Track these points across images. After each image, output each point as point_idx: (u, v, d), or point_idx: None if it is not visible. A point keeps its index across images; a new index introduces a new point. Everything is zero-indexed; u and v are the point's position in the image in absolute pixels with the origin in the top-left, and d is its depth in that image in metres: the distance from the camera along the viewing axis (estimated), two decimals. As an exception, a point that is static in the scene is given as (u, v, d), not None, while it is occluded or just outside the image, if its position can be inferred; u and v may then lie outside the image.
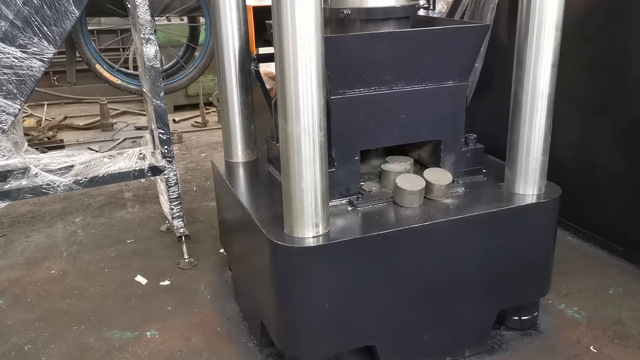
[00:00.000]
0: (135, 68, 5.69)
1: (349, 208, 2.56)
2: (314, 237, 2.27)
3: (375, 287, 2.41)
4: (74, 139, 6.60)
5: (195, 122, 7.35)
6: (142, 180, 3.60)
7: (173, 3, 3.94)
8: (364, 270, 2.36)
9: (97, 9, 3.13)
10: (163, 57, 4.93)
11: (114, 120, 7.31)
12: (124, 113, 7.81)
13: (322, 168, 2.20)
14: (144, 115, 7.76)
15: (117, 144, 6.41)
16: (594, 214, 3.78)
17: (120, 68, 4.34)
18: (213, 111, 7.71)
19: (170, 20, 4.52)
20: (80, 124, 7.17)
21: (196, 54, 5.04)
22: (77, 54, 4.13)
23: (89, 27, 4.23)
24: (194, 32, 4.77)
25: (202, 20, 5.05)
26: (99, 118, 7.19)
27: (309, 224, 2.26)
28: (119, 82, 3.94)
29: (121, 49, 7.30)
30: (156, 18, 4.07)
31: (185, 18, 5.02)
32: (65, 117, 7.32)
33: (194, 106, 7.73)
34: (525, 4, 2.46)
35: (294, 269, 2.29)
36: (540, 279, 2.84)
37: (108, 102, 7.26)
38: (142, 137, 5.86)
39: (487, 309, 2.73)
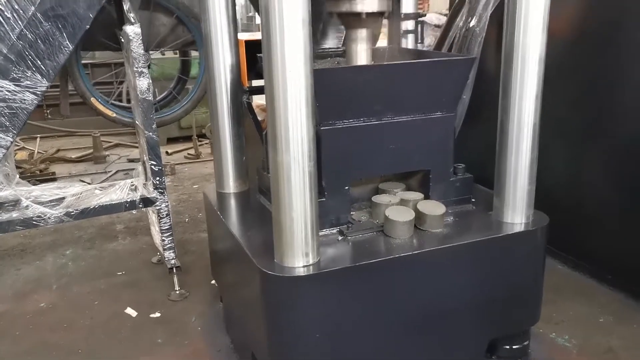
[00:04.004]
0: (129, 101, 5.76)
1: (340, 237, 2.57)
2: (304, 266, 2.28)
3: (366, 316, 2.41)
4: (66, 172, 6.61)
5: (188, 154, 7.39)
6: (134, 211, 3.60)
7: (168, 37, 4.01)
8: (355, 299, 2.37)
9: (91, 43, 3.18)
10: (157, 90, 4.99)
11: (106, 153, 7.34)
12: (116, 145, 7.85)
13: (312, 198, 2.22)
14: (137, 147, 7.82)
15: (110, 176, 6.42)
16: (583, 242, 3.81)
17: (114, 101, 4.38)
18: (206, 143, 7.75)
19: (164, 54, 4.59)
20: (73, 156, 7.19)
21: (189, 86, 5.11)
22: (71, 87, 4.18)
23: (83, 61, 4.30)
24: (185, 65, 4.84)
25: (194, 53, 5.13)
26: (91, 150, 7.21)
27: (299, 254, 2.27)
28: (114, 115, 3.99)
29: (115, 83, 7.37)
30: (151, 52, 4.14)
31: (177, 51, 5.10)
32: (58, 150, 7.35)
33: (187, 138, 7.78)
34: (508, 38, 2.53)
35: (285, 298, 2.30)
36: (531, 307, 2.85)
37: (101, 134, 7.30)
38: (134, 169, 5.89)
39: (477, 337, 2.73)
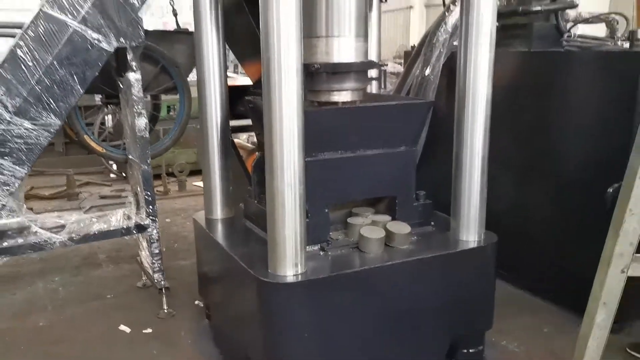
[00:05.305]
0: (112, 139, 6.12)
1: (321, 252, 3.00)
2: (294, 275, 2.71)
3: (344, 317, 2.83)
4: (42, 208, 6.85)
5: (158, 191, 7.69)
6: (126, 237, 3.95)
7: (152, 84, 4.42)
8: (335, 303, 2.80)
9: (90, 87, 3.56)
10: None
11: (78, 190, 7.60)
12: (87, 184, 8.10)
13: (301, 216, 2.67)
14: (107, 185, 8.12)
15: (85, 212, 6.68)
16: (528, 264, 4.28)
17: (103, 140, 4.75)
18: (174, 181, 8.06)
19: (147, 97, 4.95)
20: (47, 193, 7.43)
21: (159, 127, 5.50)
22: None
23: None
24: (156, 107, 5.23)
25: (163, 97, 5.51)
26: (64, 188, 7.46)
27: (290, 264, 2.70)
28: (104, 151, 4.35)
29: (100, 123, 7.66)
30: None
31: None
32: (32, 188, 7.56)
33: (156, 176, 8.06)
34: (461, 84, 3.05)
35: (279, 302, 2.72)
36: (485, 312, 3.31)
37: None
38: (107, 205, 6.21)
39: (440, 339, 3.17)
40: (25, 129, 3.26)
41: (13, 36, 3.36)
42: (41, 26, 3.20)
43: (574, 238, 3.90)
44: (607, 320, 2.37)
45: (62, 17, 3.22)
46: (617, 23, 4.30)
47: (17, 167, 3.29)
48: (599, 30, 4.57)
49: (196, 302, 4.16)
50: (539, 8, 4.10)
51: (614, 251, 2.31)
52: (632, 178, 2.28)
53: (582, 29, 5.86)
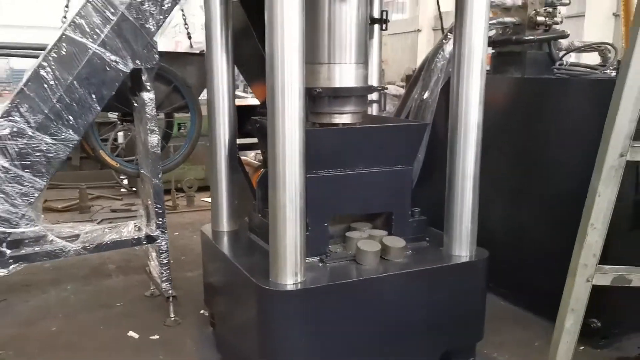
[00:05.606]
0: (125, 155, 6.35)
1: (320, 264, 3.19)
2: (294, 283, 2.90)
3: (340, 326, 3.00)
4: (55, 220, 7.06)
5: (167, 205, 7.90)
6: (136, 248, 4.16)
7: (164, 102, 4.67)
8: (333, 311, 2.98)
9: (107, 105, 3.80)
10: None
11: (90, 204, 7.83)
12: (98, 197, 8.34)
13: (301, 228, 2.87)
14: (118, 199, 8.35)
15: (97, 224, 6.90)
16: (521, 279, 4.44)
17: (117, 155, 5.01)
18: (182, 196, 8.27)
19: (161, 115, 5.19)
20: (59, 206, 7.66)
21: (171, 144, 5.75)
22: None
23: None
24: (169, 125, 5.47)
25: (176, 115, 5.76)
26: (77, 201, 7.70)
27: (291, 273, 2.89)
28: (118, 165, 4.58)
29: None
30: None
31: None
32: (45, 200, 7.79)
33: (166, 192, 8.27)
34: (454, 109, 3.25)
35: (279, 309, 2.91)
36: (476, 324, 3.46)
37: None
38: (118, 218, 6.42)
39: (432, 349, 3.32)
40: (45, 143, 3.50)
41: (36, 57, 3.61)
42: (63, 48, 3.46)
43: (565, 255, 4.01)
44: (575, 326, 2.57)
45: (83, 40, 3.48)
46: (610, 52, 4.52)
47: (37, 179, 3.52)
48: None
49: (201, 311, 4.34)
50: (531, 37, 4.32)
51: (578, 262, 2.52)
52: (592, 196, 2.51)
53: (585, 58, 6.11)
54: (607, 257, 2.91)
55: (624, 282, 2.59)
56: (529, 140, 4.32)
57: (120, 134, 7.81)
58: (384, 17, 3.92)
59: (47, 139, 3.50)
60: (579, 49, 4.56)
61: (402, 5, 26.10)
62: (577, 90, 4.00)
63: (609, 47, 4.47)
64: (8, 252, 3.59)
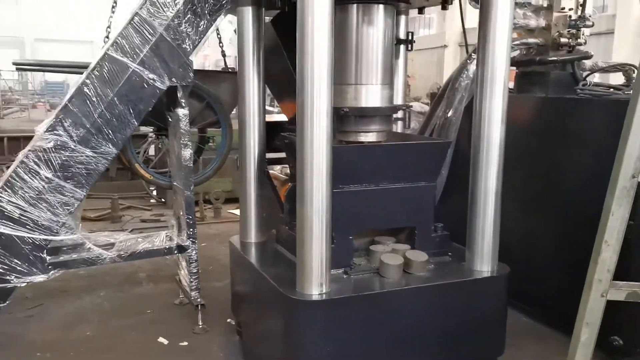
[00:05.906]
0: (158, 167, 6.56)
1: (344, 276, 3.31)
2: (319, 294, 3.02)
3: (362, 336, 3.12)
4: (87, 229, 7.26)
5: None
6: (167, 258, 4.33)
7: (197, 118, 4.86)
8: (356, 322, 3.10)
9: (143, 120, 3.99)
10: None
11: (122, 214, 8.06)
12: (129, 207, 8.57)
13: (327, 241, 3.00)
14: (147, 210, 8.57)
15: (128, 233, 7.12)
16: (540, 296, 4.50)
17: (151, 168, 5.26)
18: (210, 207, 8.46)
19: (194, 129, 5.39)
20: (92, 215, 7.90)
21: (210, 157, 5.93)
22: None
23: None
24: (202, 140, 5.66)
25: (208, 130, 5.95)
26: (108, 211, 7.94)
27: (316, 284, 3.01)
28: (151, 177, 4.77)
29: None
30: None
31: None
32: (79, 209, 8.05)
33: (195, 203, 8.50)
34: (477, 128, 3.37)
35: (305, 318, 3.04)
36: (496, 339, 3.53)
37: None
38: (147, 228, 6.60)
39: (452, 362, 3.43)
40: (86, 156, 3.69)
41: (81, 73, 3.82)
42: (105, 67, 3.66)
43: (583, 270, 4.10)
44: (590, 339, 2.65)
45: (124, 59, 3.68)
46: (633, 72, 4.58)
47: (77, 190, 3.71)
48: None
49: (228, 320, 4.48)
50: (554, 58, 4.41)
51: (593, 277, 2.61)
52: (606, 214, 2.60)
53: (612, 78, 6.15)
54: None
55: (638, 298, 2.67)
56: (551, 157, 4.40)
57: (151, 146, 8.07)
58: (410, 37, 4.05)
59: (88, 152, 3.69)
60: (603, 69, 4.63)
61: (430, 21, 26.28)
62: (599, 111, 4.08)
63: (633, 67, 4.54)
64: (48, 258, 3.78)
